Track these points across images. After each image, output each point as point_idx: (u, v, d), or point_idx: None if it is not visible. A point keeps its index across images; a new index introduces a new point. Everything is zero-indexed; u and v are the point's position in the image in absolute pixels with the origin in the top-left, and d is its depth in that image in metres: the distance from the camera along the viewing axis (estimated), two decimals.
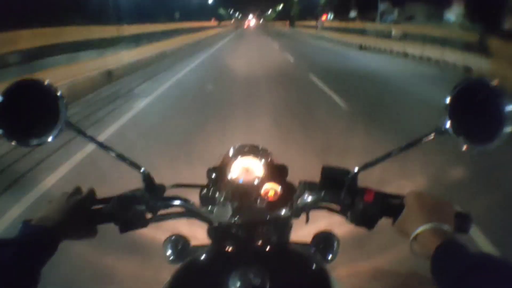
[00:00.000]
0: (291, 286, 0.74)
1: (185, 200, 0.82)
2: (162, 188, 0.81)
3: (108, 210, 0.74)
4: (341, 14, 28.73)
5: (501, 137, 0.67)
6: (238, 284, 0.68)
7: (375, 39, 17.20)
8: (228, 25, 67.05)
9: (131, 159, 0.78)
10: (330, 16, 34.94)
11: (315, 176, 0.83)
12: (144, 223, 0.77)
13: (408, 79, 9.26)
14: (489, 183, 3.28)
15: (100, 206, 0.75)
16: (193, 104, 6.68)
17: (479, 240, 2.38)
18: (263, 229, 0.83)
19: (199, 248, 0.90)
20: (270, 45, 21.42)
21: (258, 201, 0.85)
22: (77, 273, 2.16)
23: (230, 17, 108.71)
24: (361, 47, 17.96)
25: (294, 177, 0.91)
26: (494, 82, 0.67)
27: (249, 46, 21.02)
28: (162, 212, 0.80)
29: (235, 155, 0.90)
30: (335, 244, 0.94)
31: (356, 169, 0.77)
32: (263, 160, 0.89)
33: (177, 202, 0.81)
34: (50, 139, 0.72)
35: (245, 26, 79.79)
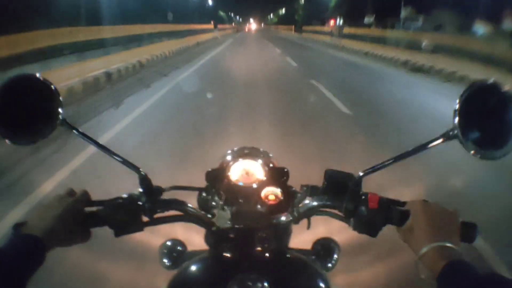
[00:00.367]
0: None
1: (182, 203, 0.79)
2: (159, 190, 0.78)
3: (102, 213, 0.71)
4: (352, 19, 25.91)
5: None
6: None
7: (413, 52, 13.40)
8: (228, 28, 63.10)
9: (127, 159, 0.76)
10: (339, 21, 32.21)
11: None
12: (140, 227, 0.74)
13: None
14: None
15: (94, 208, 0.73)
16: None
17: None
18: (263, 235, 0.80)
19: (196, 254, 0.88)
20: (280, 62, 14.40)
21: (258, 205, 0.83)
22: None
23: (230, 21, 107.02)
24: (415, 69, 11.94)
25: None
26: (506, 86, 0.65)
27: (251, 66, 12.78)
28: (158, 215, 0.77)
29: (235, 158, 0.88)
30: (336, 251, 0.93)
31: (360, 174, 0.74)
32: (263, 163, 0.87)
33: (174, 205, 0.78)
34: (44, 137, 0.71)
35: (246, 29, 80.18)
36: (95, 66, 8.59)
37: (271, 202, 0.82)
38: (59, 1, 10.01)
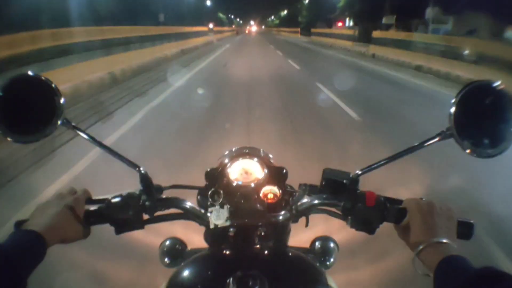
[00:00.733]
0: None
1: (182, 202, 0.81)
2: (159, 189, 0.80)
3: (103, 210, 0.72)
4: (367, 20, 23.02)
5: (508, 142, 0.66)
6: None
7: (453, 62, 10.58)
8: (226, 31, 57.19)
9: (128, 158, 0.77)
10: (349, 23, 29.50)
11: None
12: (140, 225, 0.75)
13: None
14: None
15: (95, 206, 0.74)
16: None
17: None
18: (262, 233, 0.80)
19: (196, 252, 0.88)
20: (310, 93, 8.09)
21: (257, 203, 0.83)
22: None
23: (230, 23, 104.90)
24: None
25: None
26: (501, 85, 0.65)
27: (255, 104, 6.94)
28: (158, 213, 0.78)
29: (235, 157, 0.88)
30: (334, 249, 0.93)
31: (357, 172, 0.75)
32: (262, 162, 0.88)
33: (174, 204, 0.80)
34: (45, 136, 0.72)
35: (247, 31, 77.94)
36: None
37: (270, 201, 0.83)
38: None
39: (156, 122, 5.64)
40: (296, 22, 56.50)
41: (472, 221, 0.69)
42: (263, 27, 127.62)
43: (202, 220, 0.80)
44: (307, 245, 0.93)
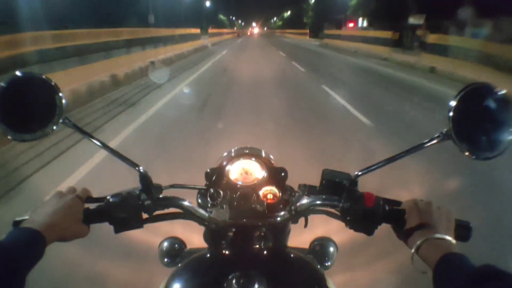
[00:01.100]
0: None
1: (182, 201, 0.80)
2: (159, 188, 0.80)
3: (102, 209, 0.72)
4: (385, 20, 20.28)
5: (506, 145, 0.65)
6: None
7: None
8: (226, 33, 50.81)
9: (127, 157, 0.77)
10: (363, 23, 26.79)
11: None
12: (140, 224, 0.75)
13: None
14: None
15: (94, 205, 0.74)
16: None
17: None
18: (261, 233, 0.81)
19: (195, 251, 0.88)
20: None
21: (257, 203, 0.83)
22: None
23: (232, 25, 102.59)
24: None
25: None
26: (500, 88, 0.65)
27: None
28: (158, 212, 0.78)
29: (235, 157, 0.89)
30: (333, 250, 0.94)
31: (356, 173, 0.74)
32: (262, 163, 0.88)
33: (174, 203, 0.79)
34: (46, 135, 0.72)
35: (248, 33, 76.97)
36: None
37: (269, 201, 0.83)
38: None
39: None
40: (300, 23, 53.93)
41: (470, 223, 0.69)
42: (265, 29, 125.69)
43: (201, 219, 0.80)
44: (307, 246, 0.94)
